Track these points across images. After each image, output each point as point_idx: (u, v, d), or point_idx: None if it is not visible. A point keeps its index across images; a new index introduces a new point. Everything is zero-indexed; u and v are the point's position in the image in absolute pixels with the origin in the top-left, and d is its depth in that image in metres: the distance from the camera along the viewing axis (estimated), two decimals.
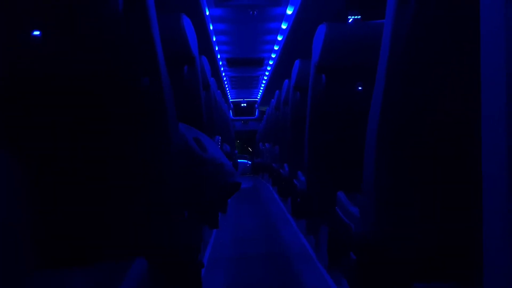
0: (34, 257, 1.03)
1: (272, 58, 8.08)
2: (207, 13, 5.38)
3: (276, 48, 7.26)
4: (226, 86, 11.05)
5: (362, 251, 1.38)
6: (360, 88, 2.37)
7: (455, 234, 1.22)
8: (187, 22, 2.19)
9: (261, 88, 11.49)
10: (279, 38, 6.63)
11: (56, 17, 1.04)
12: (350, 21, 4.42)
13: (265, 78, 10.04)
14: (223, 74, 9.55)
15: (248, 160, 11.84)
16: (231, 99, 13.28)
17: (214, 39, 6.61)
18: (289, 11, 5.38)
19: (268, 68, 9.04)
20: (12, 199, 0.99)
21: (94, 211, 1.13)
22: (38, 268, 1.03)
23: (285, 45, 6.58)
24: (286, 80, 4.43)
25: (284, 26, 5.98)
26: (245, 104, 13.51)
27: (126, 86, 1.11)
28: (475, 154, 0.83)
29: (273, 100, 6.45)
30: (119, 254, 1.09)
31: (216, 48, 7.22)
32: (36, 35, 1.05)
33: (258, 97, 12.91)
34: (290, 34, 5.97)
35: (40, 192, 1.08)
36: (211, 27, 6.02)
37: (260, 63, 8.66)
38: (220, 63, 8.40)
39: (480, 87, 0.80)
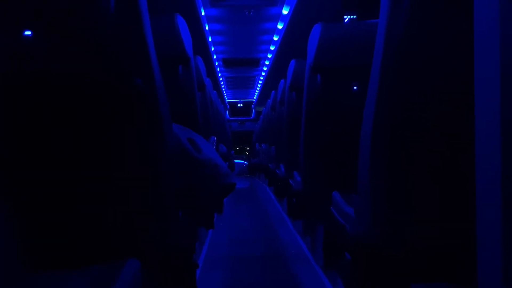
0: (26, 259, 1.03)
1: (268, 58, 8.07)
2: (203, 13, 5.37)
3: (272, 48, 7.26)
4: (223, 86, 11.04)
5: (357, 251, 1.37)
6: (355, 88, 2.36)
7: (451, 234, 1.22)
8: (181, 22, 2.18)
9: (258, 89, 11.49)
10: (275, 38, 6.62)
11: (47, 17, 1.04)
12: (346, 21, 4.42)
13: (262, 78, 10.04)
14: (219, 74, 9.54)
15: (244, 161, 11.84)
16: (228, 99, 13.28)
17: (210, 39, 6.60)
18: (285, 11, 5.38)
19: (264, 68, 9.04)
20: (3, 199, 0.99)
21: (86, 211, 1.12)
22: (30, 270, 1.03)
23: (281, 45, 6.57)
24: (282, 80, 4.43)
25: (280, 26, 5.98)
26: (241, 105, 13.50)
27: (118, 87, 1.11)
28: (470, 154, 0.83)
29: (269, 100, 6.45)
30: (111, 256, 1.09)
31: (212, 49, 7.21)
32: (27, 36, 1.04)
33: (255, 98, 12.91)
34: (286, 34, 5.97)
35: (31, 192, 1.07)
36: (207, 28, 6.01)
37: (256, 63, 8.65)
38: (216, 63, 8.39)
39: (474, 86, 0.80)
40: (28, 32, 1.03)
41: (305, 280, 2.44)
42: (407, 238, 1.25)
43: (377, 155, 1.25)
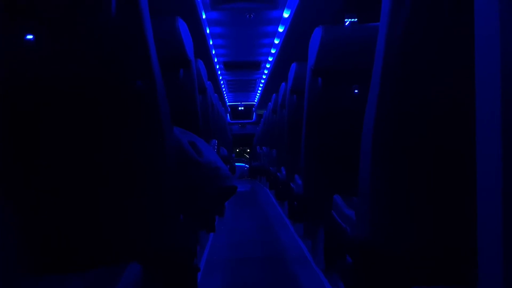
0: (26, 262, 1.02)
1: (269, 62, 8.08)
2: (204, 16, 5.38)
3: (273, 51, 7.27)
4: (223, 89, 11.05)
5: (358, 254, 1.37)
6: (356, 91, 2.37)
7: (452, 236, 1.22)
8: (182, 25, 2.18)
9: (259, 92, 11.51)
10: (276, 41, 6.63)
11: (48, 20, 1.04)
12: (347, 23, 4.42)
13: (262, 81, 10.05)
14: (220, 77, 9.55)
15: (245, 164, 11.85)
16: (229, 102, 13.29)
17: (210, 42, 6.61)
18: (285, 14, 5.39)
19: (265, 72, 9.05)
20: (4, 201, 0.99)
21: (87, 214, 1.12)
22: (30, 274, 1.03)
23: (282, 48, 6.58)
24: (283, 83, 4.43)
25: (281, 29, 5.99)
26: (242, 108, 13.51)
27: (119, 89, 1.11)
28: (471, 157, 0.83)
29: (270, 103, 6.45)
30: (112, 259, 1.09)
31: (213, 52, 7.23)
32: (29, 39, 1.04)
33: (256, 101, 12.92)
34: (287, 37, 5.98)
35: (32, 194, 1.07)
36: (208, 31, 6.02)
37: (257, 66, 8.66)
38: (217, 66, 8.41)
39: (475, 89, 0.80)
40: (29, 36, 1.04)
41: (306, 283, 2.44)
42: (408, 240, 1.25)
43: (378, 158, 1.25)
